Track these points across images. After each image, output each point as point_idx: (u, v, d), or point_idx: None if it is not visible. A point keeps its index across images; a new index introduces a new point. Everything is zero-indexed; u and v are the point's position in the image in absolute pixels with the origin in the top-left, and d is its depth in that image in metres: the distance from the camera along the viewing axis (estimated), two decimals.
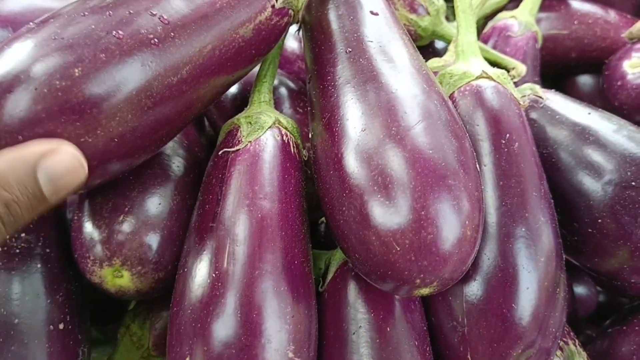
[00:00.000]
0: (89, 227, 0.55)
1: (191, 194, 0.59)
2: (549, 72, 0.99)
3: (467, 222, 0.48)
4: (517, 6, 0.92)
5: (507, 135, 0.60)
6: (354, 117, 0.51)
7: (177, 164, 0.60)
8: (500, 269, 0.55)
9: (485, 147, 0.60)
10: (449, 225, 0.47)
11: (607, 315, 0.83)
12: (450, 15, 0.94)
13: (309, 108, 0.60)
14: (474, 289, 0.56)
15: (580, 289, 0.92)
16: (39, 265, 0.54)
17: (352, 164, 0.49)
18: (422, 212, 0.46)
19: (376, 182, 0.47)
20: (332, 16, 0.61)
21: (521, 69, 0.80)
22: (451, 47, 0.80)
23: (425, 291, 0.49)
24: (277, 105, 0.66)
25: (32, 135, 0.45)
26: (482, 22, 0.95)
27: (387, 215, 0.47)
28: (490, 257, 0.56)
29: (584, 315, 0.91)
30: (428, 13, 0.84)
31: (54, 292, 0.54)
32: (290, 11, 0.59)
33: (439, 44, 0.93)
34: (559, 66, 1.01)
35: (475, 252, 0.50)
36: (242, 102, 0.71)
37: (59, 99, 0.45)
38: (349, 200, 0.49)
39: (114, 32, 0.48)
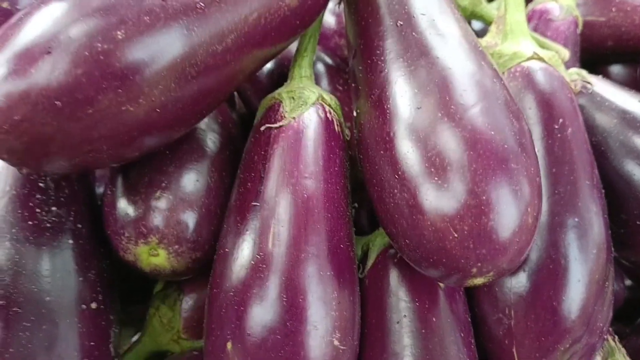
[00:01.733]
0: (123, 203, 0.52)
1: (227, 172, 0.57)
2: (583, 59, 0.95)
3: (528, 209, 0.45)
4: None
5: (560, 120, 0.57)
6: (408, 94, 0.48)
7: (212, 140, 0.57)
8: (550, 260, 0.53)
9: (537, 132, 0.57)
10: (510, 212, 0.44)
11: (634, 311, 0.81)
12: None
13: (352, 85, 0.57)
14: (522, 280, 0.53)
15: None
16: (70, 241, 0.51)
17: (406, 144, 0.46)
18: (483, 197, 0.43)
19: (433, 163, 0.44)
20: None
21: (563, 53, 0.76)
22: (492, 27, 0.76)
23: (478, 281, 0.46)
24: (316, 82, 0.62)
25: (71, 100, 0.42)
26: None
27: (444, 199, 0.44)
28: (541, 248, 0.53)
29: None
30: None
31: (86, 269, 0.51)
32: None
33: (476, 25, 0.89)
34: (594, 54, 0.98)
35: (533, 242, 0.47)
36: (278, 77, 0.68)
37: (101, 62, 0.42)
38: (401, 182, 0.46)
39: None
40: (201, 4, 0.46)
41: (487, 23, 0.83)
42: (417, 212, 0.45)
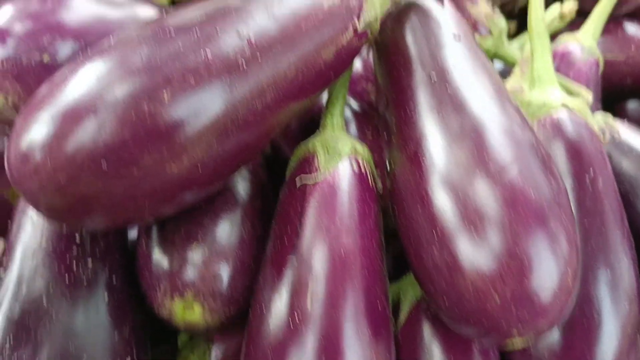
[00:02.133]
0: (159, 256, 0.52)
1: (260, 222, 0.57)
2: (601, 96, 0.96)
3: (568, 270, 0.45)
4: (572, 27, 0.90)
5: (591, 171, 0.58)
6: (445, 151, 0.48)
7: (245, 189, 0.57)
8: (584, 316, 0.53)
9: (568, 184, 0.57)
10: (552, 273, 0.44)
11: None
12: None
13: (384, 134, 0.58)
14: (555, 337, 0.53)
15: None
16: (105, 295, 0.51)
17: (444, 202, 0.46)
18: (525, 259, 0.43)
19: (472, 223, 0.45)
20: (411, 39, 0.58)
21: (587, 96, 0.77)
22: (516, 70, 0.77)
23: (517, 342, 0.46)
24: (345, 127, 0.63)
25: (117, 162, 0.42)
26: None
27: (485, 260, 0.44)
28: (575, 303, 0.53)
29: None
30: (491, 34, 0.81)
31: (121, 324, 0.51)
32: (368, 33, 0.57)
33: (496, 65, 0.90)
34: (612, 91, 0.99)
35: (572, 301, 0.47)
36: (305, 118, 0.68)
37: (147, 123, 0.43)
38: (440, 241, 0.46)
39: (202, 53, 0.45)
40: (243, 61, 0.47)
41: (509, 64, 0.84)
42: (457, 272, 0.45)
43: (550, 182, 0.47)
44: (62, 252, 0.51)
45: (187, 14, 0.49)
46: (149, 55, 0.44)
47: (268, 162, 0.71)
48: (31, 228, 0.53)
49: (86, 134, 0.42)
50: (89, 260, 0.52)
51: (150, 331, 0.59)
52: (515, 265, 0.43)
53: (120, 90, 0.43)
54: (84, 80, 0.44)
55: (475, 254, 0.44)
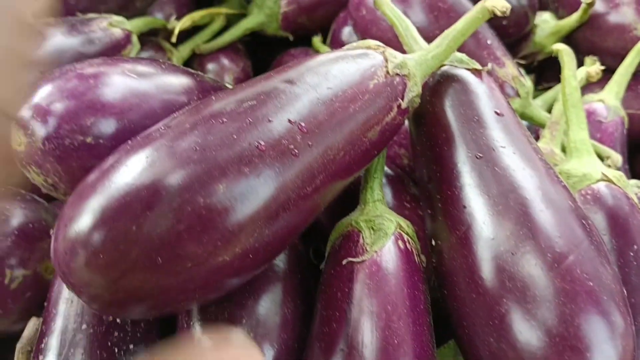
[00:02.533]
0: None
1: (301, 299, 0.56)
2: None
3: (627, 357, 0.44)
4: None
5: (635, 246, 0.57)
6: (499, 237, 0.48)
7: (285, 263, 0.57)
8: None
9: (613, 260, 0.56)
10: None
11: None
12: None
13: (427, 210, 0.57)
14: None
15: None
16: None
17: (503, 292, 0.45)
18: (588, 354, 0.43)
19: (533, 315, 0.44)
20: (452, 115, 0.58)
21: (616, 159, 0.77)
22: (546, 133, 0.77)
23: None
24: None
25: (172, 256, 0.41)
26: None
27: (547, 353, 0.43)
28: None
29: None
30: (518, 95, 0.81)
31: None
32: (410, 108, 0.57)
33: None
34: (631, 146, 0.99)
35: None
36: None
37: (203, 217, 0.42)
38: (498, 332, 0.45)
39: (257, 143, 0.45)
40: (295, 150, 0.46)
41: (536, 124, 0.84)
42: None
43: (606, 269, 0.47)
44: (103, 336, 0.50)
45: (237, 97, 0.48)
46: (202, 143, 0.44)
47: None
48: (69, 310, 0.52)
49: (140, 227, 0.41)
50: (130, 343, 0.50)
51: None
52: (576, 357, 0.43)
53: (176, 182, 0.42)
54: (137, 171, 0.43)
55: (535, 345, 0.43)
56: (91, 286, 0.42)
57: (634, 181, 0.70)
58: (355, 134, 0.51)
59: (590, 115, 0.85)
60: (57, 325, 0.51)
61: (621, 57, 0.89)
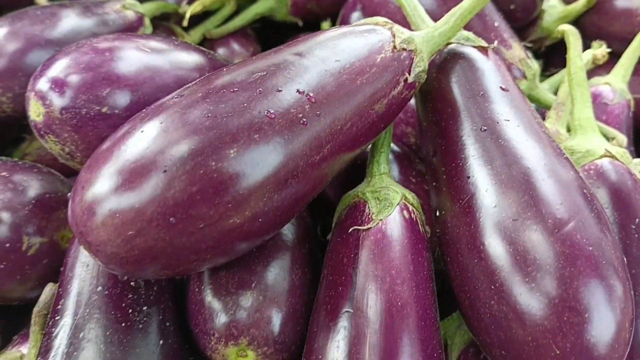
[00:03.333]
0: (213, 303, 0.52)
1: (310, 267, 0.57)
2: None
3: (626, 324, 0.45)
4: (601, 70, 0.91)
5: (637, 220, 0.58)
6: (501, 205, 0.49)
7: (293, 234, 0.58)
8: None
9: (615, 233, 0.57)
10: (610, 328, 0.44)
11: None
12: None
13: (432, 182, 0.58)
14: None
15: None
16: (160, 341, 0.52)
17: (504, 256, 0.47)
18: (586, 315, 0.44)
19: (533, 278, 0.45)
20: (458, 90, 0.59)
21: (621, 139, 0.78)
22: (552, 114, 0.78)
23: None
24: None
25: (185, 217, 0.43)
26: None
27: (546, 315, 0.44)
28: None
29: None
30: (525, 77, 0.82)
31: None
32: (417, 83, 0.58)
33: None
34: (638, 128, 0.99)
35: (627, 352, 0.47)
36: None
37: (214, 179, 0.44)
38: (498, 295, 0.46)
39: (266, 111, 0.46)
40: (304, 119, 0.48)
41: (543, 106, 0.85)
42: (517, 326, 0.45)
43: (605, 235, 0.48)
44: (117, 297, 0.52)
45: (247, 69, 0.50)
46: (214, 111, 0.46)
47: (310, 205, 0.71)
48: (85, 273, 0.54)
49: (155, 188, 0.43)
50: (144, 304, 0.52)
51: None
52: (575, 318, 0.44)
53: (189, 147, 0.44)
54: (152, 136, 0.45)
55: (535, 307, 0.45)
56: (107, 245, 0.44)
57: (638, 159, 0.71)
58: (363, 105, 0.52)
59: (596, 97, 0.86)
60: (73, 287, 0.53)
61: (628, 42, 0.90)
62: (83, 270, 0.54)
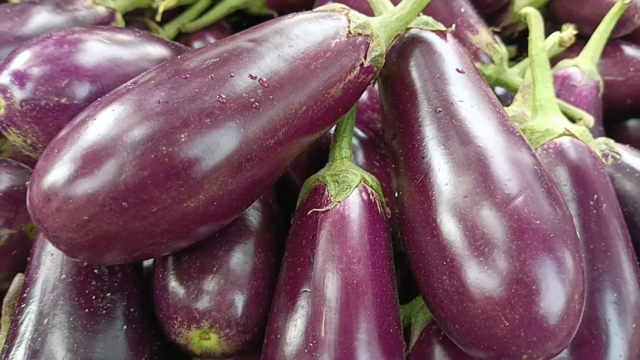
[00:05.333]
0: (176, 287, 0.53)
1: (273, 251, 0.58)
2: (603, 117, 0.98)
3: (575, 296, 0.46)
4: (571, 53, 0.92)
5: (595, 196, 0.59)
6: (452, 182, 0.50)
7: (257, 219, 0.59)
8: (592, 337, 0.54)
9: (573, 209, 0.58)
10: (559, 299, 0.45)
11: None
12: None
13: (392, 165, 0.59)
14: (565, 357, 0.54)
15: None
16: (124, 326, 0.53)
17: (454, 232, 0.48)
18: (533, 287, 0.45)
19: (482, 253, 0.46)
20: (416, 73, 0.60)
21: (588, 120, 0.79)
22: (518, 96, 0.79)
23: None
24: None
25: (137, 201, 0.44)
26: None
27: (495, 288, 0.45)
28: (583, 324, 0.54)
29: None
30: (492, 61, 0.83)
31: (140, 354, 0.53)
32: (374, 68, 0.59)
33: (498, 90, 0.92)
34: (613, 111, 1.00)
35: (579, 324, 0.48)
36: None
37: (165, 164, 0.44)
38: (449, 269, 0.47)
39: (218, 96, 0.47)
40: (256, 103, 0.49)
41: (511, 90, 0.86)
42: (468, 299, 0.46)
43: (555, 209, 0.49)
44: (81, 284, 0.53)
45: (201, 57, 0.51)
46: (166, 97, 0.46)
47: (278, 191, 0.72)
48: (51, 262, 0.55)
49: (107, 174, 0.44)
50: (107, 291, 0.53)
51: (169, 356, 0.60)
52: (523, 290, 0.45)
53: (140, 133, 0.45)
54: (104, 123, 0.46)
55: (484, 281, 0.46)
56: (63, 230, 0.45)
57: (602, 139, 0.72)
58: (318, 90, 0.53)
59: (564, 79, 0.87)
60: (39, 276, 0.54)
61: (598, 25, 0.91)
62: (48, 259, 0.55)
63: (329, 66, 0.54)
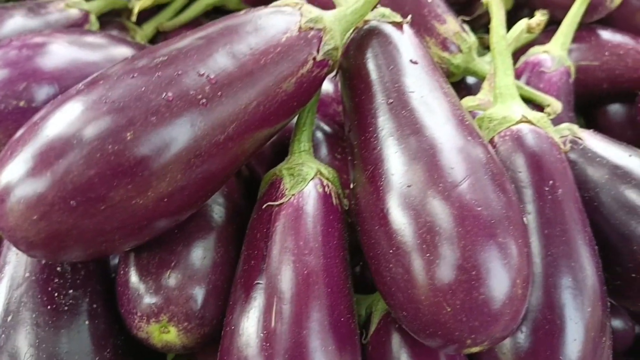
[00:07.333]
0: (135, 283, 0.55)
1: (234, 246, 0.60)
2: (580, 103, 0.98)
3: (517, 280, 0.47)
4: (546, 38, 0.92)
5: (551, 181, 0.60)
6: (399, 171, 0.51)
7: (218, 214, 0.60)
8: (547, 321, 0.55)
9: (529, 195, 0.59)
10: (500, 285, 0.46)
11: None
12: (480, 48, 0.95)
13: (349, 157, 0.60)
14: (520, 342, 0.55)
15: (617, 323, 0.90)
16: (86, 322, 0.54)
17: (399, 221, 0.49)
18: (473, 272, 0.46)
19: (424, 240, 0.47)
20: (371, 65, 0.61)
21: (556, 106, 0.79)
22: (485, 85, 0.79)
23: (474, 349, 0.48)
24: (315, 151, 0.65)
25: (85, 199, 0.46)
26: (514, 57, 0.94)
27: (436, 274, 0.46)
28: (537, 309, 0.55)
29: (621, 349, 0.89)
30: (460, 50, 0.84)
31: (102, 348, 0.54)
32: (330, 61, 0.60)
33: (470, 79, 0.92)
34: (590, 97, 1.00)
35: (525, 309, 0.49)
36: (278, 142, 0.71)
37: (112, 162, 0.46)
38: (395, 257, 0.48)
39: (164, 94, 0.49)
40: (203, 100, 0.50)
41: (481, 78, 0.86)
42: (412, 286, 0.47)
43: (499, 197, 0.49)
44: (44, 282, 0.55)
45: (151, 55, 0.52)
46: (111, 96, 0.48)
47: (246, 185, 0.74)
48: (16, 260, 0.57)
49: (55, 174, 0.45)
50: (70, 288, 0.55)
51: (140, 351, 0.62)
52: (463, 276, 0.46)
53: (86, 132, 0.46)
54: (53, 124, 0.48)
55: (427, 269, 0.47)
56: (17, 229, 0.46)
57: (565, 124, 0.72)
58: (269, 85, 0.54)
59: (534, 66, 0.87)
60: (6, 274, 0.56)
61: None
62: (14, 258, 0.57)
63: (279, 61, 0.55)
